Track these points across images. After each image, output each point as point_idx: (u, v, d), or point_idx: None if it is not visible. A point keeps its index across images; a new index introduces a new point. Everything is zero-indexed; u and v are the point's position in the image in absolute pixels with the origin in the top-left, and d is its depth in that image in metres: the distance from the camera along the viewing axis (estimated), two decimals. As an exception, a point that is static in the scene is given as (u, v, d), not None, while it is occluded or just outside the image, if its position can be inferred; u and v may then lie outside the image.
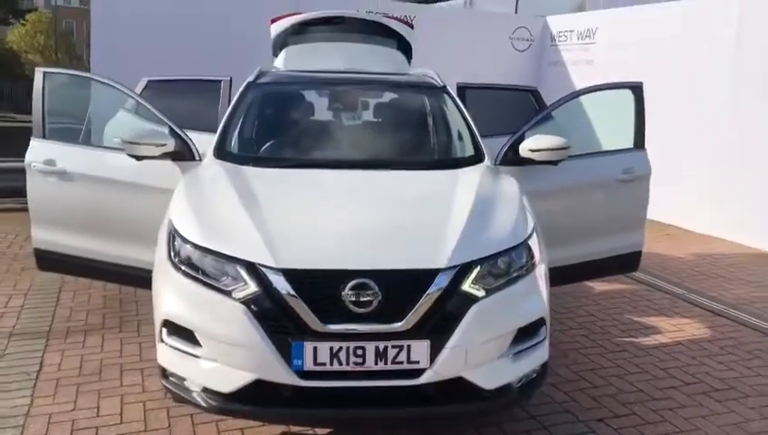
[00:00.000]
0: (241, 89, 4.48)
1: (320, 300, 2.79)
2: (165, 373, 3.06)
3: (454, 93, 4.86)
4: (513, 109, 5.71)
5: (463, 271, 2.90)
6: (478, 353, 2.90)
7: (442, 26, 10.81)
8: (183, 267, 2.99)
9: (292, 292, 2.77)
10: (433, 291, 2.82)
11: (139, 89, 5.85)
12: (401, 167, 3.89)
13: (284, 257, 2.84)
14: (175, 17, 9.26)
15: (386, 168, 3.83)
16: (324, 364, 2.79)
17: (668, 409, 3.71)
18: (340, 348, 2.79)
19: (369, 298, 2.78)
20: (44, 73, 4.48)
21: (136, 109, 5.70)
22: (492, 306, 2.92)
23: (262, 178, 3.63)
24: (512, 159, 4.18)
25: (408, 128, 4.49)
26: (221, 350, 2.86)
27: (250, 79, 4.58)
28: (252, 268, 2.84)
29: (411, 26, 6.39)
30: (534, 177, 4.23)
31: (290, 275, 2.80)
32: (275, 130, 4.45)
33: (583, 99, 4.82)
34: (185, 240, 3.04)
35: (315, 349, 2.78)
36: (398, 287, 2.82)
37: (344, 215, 3.20)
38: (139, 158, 3.94)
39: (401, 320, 2.79)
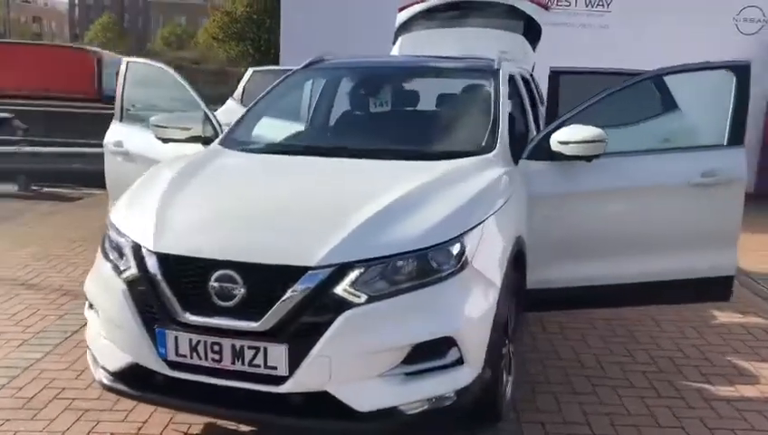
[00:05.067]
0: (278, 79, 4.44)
1: (186, 288, 2.66)
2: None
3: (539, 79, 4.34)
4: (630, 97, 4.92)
5: (340, 272, 2.55)
6: (347, 367, 2.54)
7: (645, 9, 9.69)
8: (105, 245, 3.05)
9: (161, 276, 2.68)
10: (297, 291, 2.52)
11: (246, 78, 6.22)
12: (386, 156, 3.50)
13: (161, 241, 2.75)
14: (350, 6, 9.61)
15: (369, 157, 3.49)
16: (185, 356, 2.64)
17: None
18: (199, 341, 2.62)
19: (233, 292, 2.58)
20: (127, 63, 4.90)
21: (241, 98, 6.00)
22: (371, 315, 2.53)
23: (228, 163, 3.58)
24: (541, 153, 3.59)
25: (420, 116, 4.08)
26: (109, 329, 2.87)
27: (296, 68, 4.52)
28: (137, 249, 2.79)
29: (546, 8, 5.93)
30: (584, 177, 3.61)
31: (162, 259, 2.70)
32: (284, 117, 4.35)
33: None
34: (109, 220, 3.10)
35: (176, 338, 2.65)
36: (262, 283, 2.58)
37: (254, 202, 3.03)
38: (165, 140, 4.11)
39: (260, 319, 2.54)
